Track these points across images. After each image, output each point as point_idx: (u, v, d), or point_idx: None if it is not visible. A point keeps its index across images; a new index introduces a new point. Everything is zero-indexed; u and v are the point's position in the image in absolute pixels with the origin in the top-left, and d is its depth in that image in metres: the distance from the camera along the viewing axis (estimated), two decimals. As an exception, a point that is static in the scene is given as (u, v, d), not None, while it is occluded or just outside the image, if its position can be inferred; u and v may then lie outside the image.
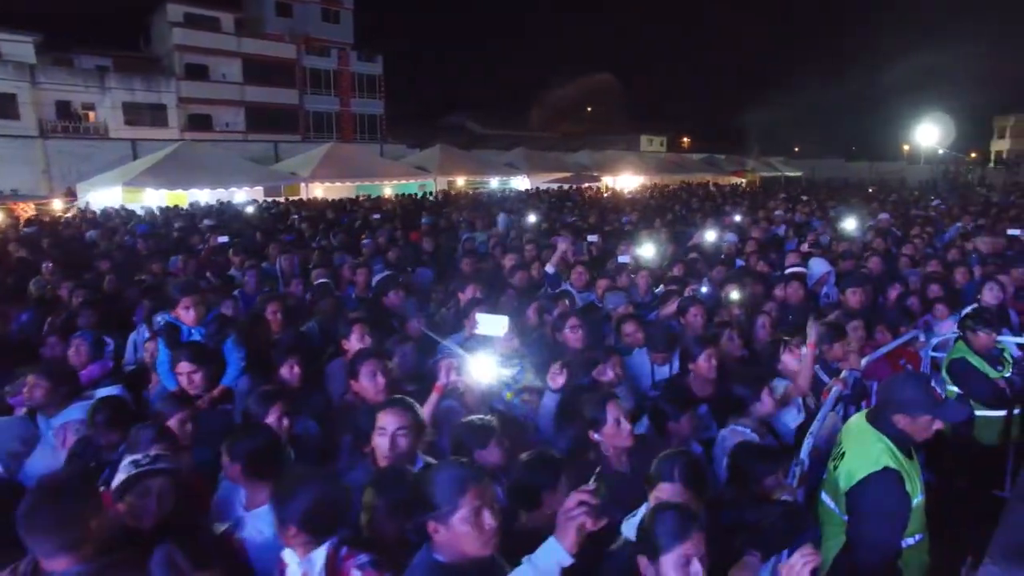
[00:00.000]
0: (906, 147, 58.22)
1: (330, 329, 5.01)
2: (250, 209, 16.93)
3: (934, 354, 5.01)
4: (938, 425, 2.57)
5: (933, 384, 2.58)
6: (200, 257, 8.51)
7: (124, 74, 31.42)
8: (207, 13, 34.41)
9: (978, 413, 4.50)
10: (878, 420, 2.63)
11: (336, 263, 7.40)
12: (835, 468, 2.67)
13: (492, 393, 3.59)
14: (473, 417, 2.87)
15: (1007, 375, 4.47)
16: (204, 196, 21.51)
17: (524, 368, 3.86)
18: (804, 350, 3.63)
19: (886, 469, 2.47)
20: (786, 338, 3.88)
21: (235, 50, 35.32)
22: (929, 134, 46.15)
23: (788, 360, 3.77)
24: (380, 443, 2.55)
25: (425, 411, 3.15)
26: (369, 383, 3.24)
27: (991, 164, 56.57)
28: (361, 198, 22.84)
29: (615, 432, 2.83)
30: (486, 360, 3.14)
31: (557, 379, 3.23)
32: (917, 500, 2.53)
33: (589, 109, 64.74)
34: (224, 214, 15.92)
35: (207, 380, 3.57)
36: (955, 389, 4.61)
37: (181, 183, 20.95)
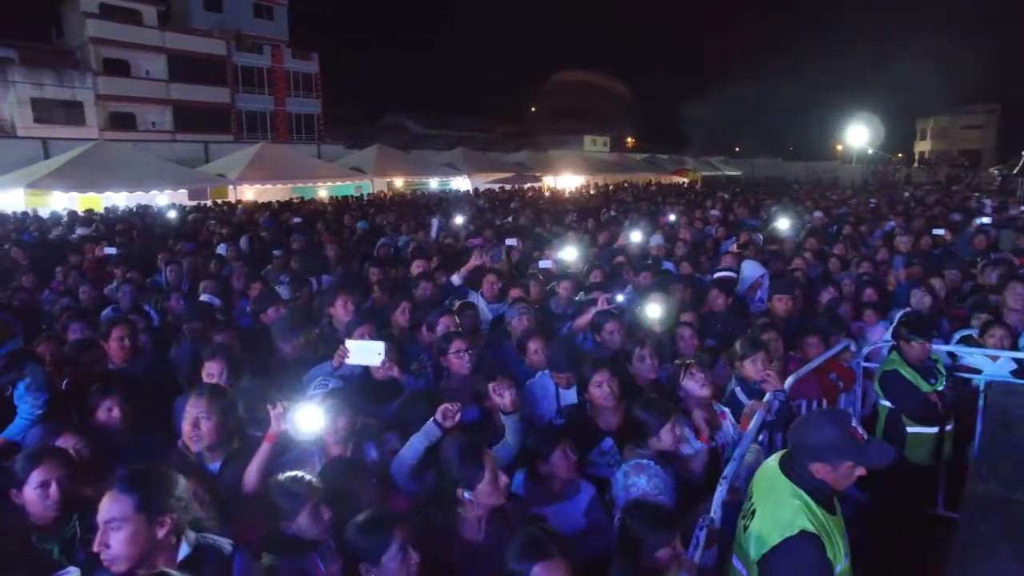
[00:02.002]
0: (839, 147, 60.27)
1: (200, 354, 4.34)
2: (172, 214, 15.80)
3: (865, 364, 4.69)
4: (860, 471, 2.14)
5: (854, 424, 2.14)
6: (84, 269, 7.61)
7: (31, 67, 29.13)
8: (125, 4, 32.32)
9: (909, 430, 4.21)
10: (793, 469, 2.18)
11: (224, 274, 6.65)
12: (745, 528, 2.21)
13: (363, 436, 3.01)
14: (288, 475, 2.31)
15: (940, 388, 4.15)
16: (121, 200, 20.13)
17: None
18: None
19: (803, 533, 2.02)
20: (687, 361, 3.44)
21: (159, 45, 33.40)
22: (859, 135, 47.81)
23: (690, 386, 3.32)
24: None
25: (252, 466, 2.56)
26: (190, 431, 2.61)
27: (915, 164, 59.28)
28: (294, 200, 21.81)
29: (491, 491, 2.32)
30: (311, 409, 2.57)
31: (454, 416, 2.71)
32: (841, 567, 2.09)
33: (532, 109, 64.60)
34: (112, 220, 14.62)
35: None
36: (887, 403, 4.29)
37: (94, 185, 19.51)
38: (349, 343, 3.35)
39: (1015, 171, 25.77)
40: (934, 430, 4.19)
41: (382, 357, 3.31)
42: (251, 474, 2.55)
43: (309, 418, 2.58)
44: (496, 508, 2.37)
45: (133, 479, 1.95)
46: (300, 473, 2.34)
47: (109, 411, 3.01)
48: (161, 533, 1.91)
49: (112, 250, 7.94)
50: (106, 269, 7.68)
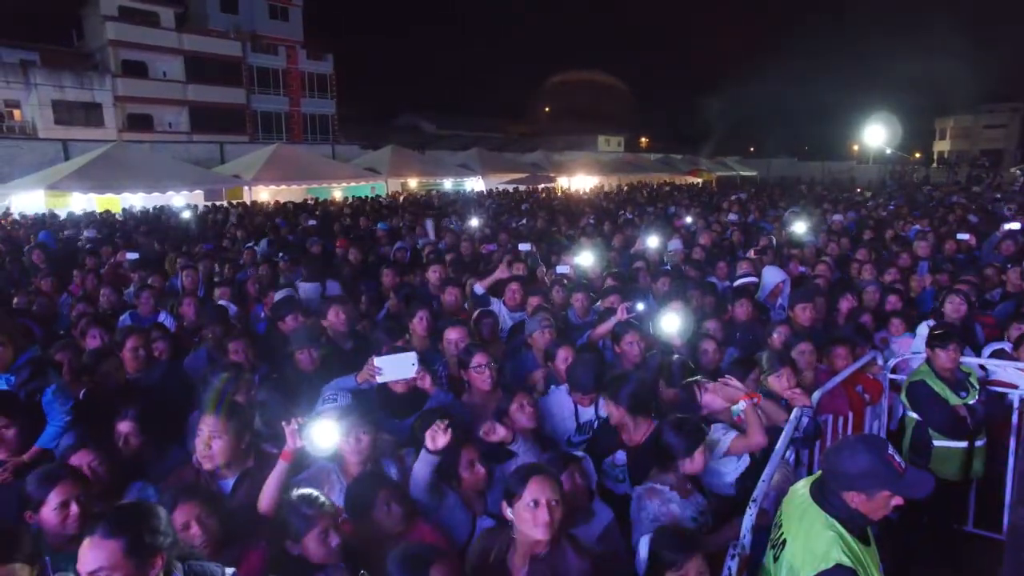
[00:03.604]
0: (855, 147, 59.54)
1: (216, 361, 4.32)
2: (186, 214, 15.90)
3: (892, 376, 4.56)
4: (897, 501, 2.06)
5: (891, 451, 2.06)
6: (105, 274, 7.61)
7: (52, 69, 29.53)
8: (144, 7, 32.70)
9: (936, 443, 4.09)
10: (826, 498, 2.09)
11: (239, 279, 6.63)
12: (775, 559, 2.13)
13: (381, 452, 2.96)
14: (302, 493, 2.26)
15: (970, 402, 4.02)
16: (138, 200, 20.33)
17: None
18: (741, 404, 3.04)
19: (838, 567, 1.94)
20: (697, 379, 3.36)
21: (176, 47, 33.78)
22: (876, 135, 47.15)
23: (709, 400, 3.24)
24: None
25: (268, 485, 2.50)
26: (203, 450, 2.58)
27: (934, 164, 58.44)
28: (309, 201, 21.88)
29: (528, 518, 2.21)
30: (327, 424, 2.51)
31: (438, 439, 2.58)
32: (879, 600, 2.01)
33: (546, 109, 64.53)
34: (114, 221, 14.55)
35: (20, 440, 2.87)
36: (915, 416, 4.18)
37: (112, 186, 19.69)
38: (378, 360, 3.22)
39: (1039, 172, 25.29)
40: (963, 445, 4.05)
41: (416, 367, 3.21)
42: (267, 493, 2.50)
43: (325, 434, 2.52)
44: (545, 545, 2.23)
45: (118, 522, 1.82)
46: (315, 493, 2.30)
47: (126, 439, 2.98)
48: (152, 574, 1.81)
49: (134, 255, 7.94)
50: (120, 272, 7.70)
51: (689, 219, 12.47)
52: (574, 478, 2.65)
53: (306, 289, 6.20)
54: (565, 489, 2.57)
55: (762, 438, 2.97)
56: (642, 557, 2.35)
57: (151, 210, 18.33)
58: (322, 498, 2.29)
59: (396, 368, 3.22)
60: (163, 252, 8.72)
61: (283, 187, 24.36)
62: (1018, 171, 38.26)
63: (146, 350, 3.95)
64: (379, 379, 3.24)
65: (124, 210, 18.55)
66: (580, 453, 2.96)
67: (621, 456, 3.16)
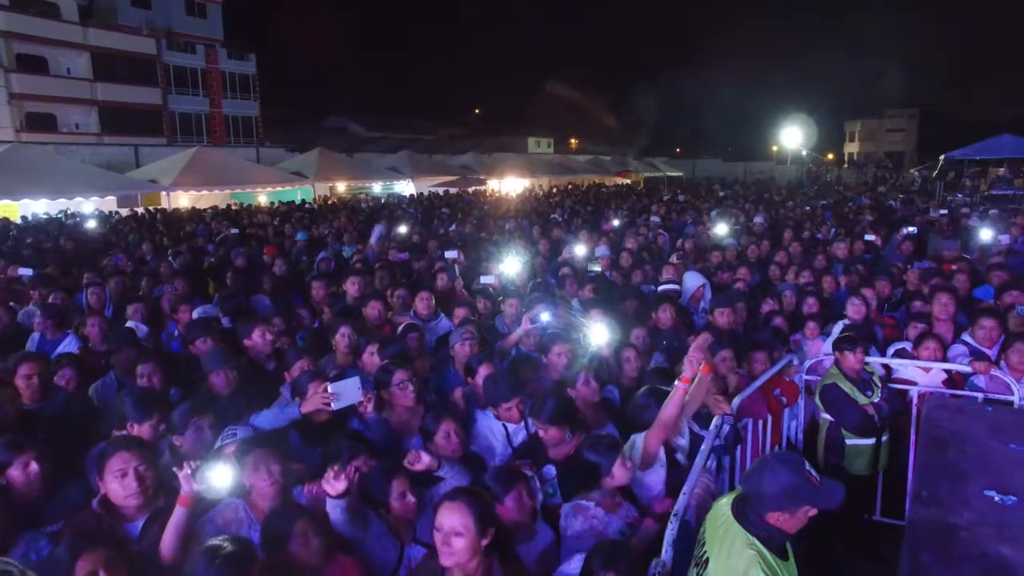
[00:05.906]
0: (774, 148, 62.42)
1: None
2: (91, 224, 14.88)
3: (807, 377, 4.77)
4: (812, 512, 2.14)
5: (808, 467, 2.14)
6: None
7: (-66, 63, 27.13)
8: (41, -3, 30.49)
9: (848, 442, 4.31)
10: (746, 516, 2.15)
11: (155, 295, 6.25)
12: (698, 577, 2.17)
13: (295, 481, 2.83)
14: (210, 543, 2.14)
15: (875, 400, 4.26)
16: (41, 208, 18.93)
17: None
18: (676, 383, 3.08)
19: None
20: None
21: (81, 41, 31.65)
22: (793, 137, 49.60)
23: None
24: None
25: (167, 534, 2.34)
26: (135, 485, 2.40)
27: (845, 165, 62.11)
28: (232, 207, 20.96)
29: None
30: (222, 467, 2.39)
31: (337, 485, 2.42)
32: (794, 613, 2.08)
33: (476, 111, 64.53)
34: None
35: None
36: (828, 417, 4.38)
37: (9, 192, 18.22)
38: (333, 386, 3.09)
39: (934, 174, 27.24)
40: (871, 441, 4.30)
41: (362, 390, 3.13)
42: (167, 542, 2.33)
43: (222, 475, 2.38)
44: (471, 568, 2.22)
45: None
46: (221, 540, 2.18)
47: (25, 466, 2.71)
48: None
49: (27, 271, 7.33)
50: (14, 288, 7.10)
51: (616, 222, 12.57)
52: (522, 497, 2.62)
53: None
54: (510, 508, 2.56)
55: (671, 412, 2.99)
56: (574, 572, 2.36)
57: (57, 215, 17.14)
58: (227, 545, 2.16)
59: (347, 393, 3.12)
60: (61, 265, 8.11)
61: (204, 192, 23.25)
62: (916, 172, 41.09)
63: (41, 378, 3.64)
64: (334, 406, 3.11)
65: (23, 218, 17.24)
66: (529, 472, 2.93)
67: (549, 470, 3.15)
